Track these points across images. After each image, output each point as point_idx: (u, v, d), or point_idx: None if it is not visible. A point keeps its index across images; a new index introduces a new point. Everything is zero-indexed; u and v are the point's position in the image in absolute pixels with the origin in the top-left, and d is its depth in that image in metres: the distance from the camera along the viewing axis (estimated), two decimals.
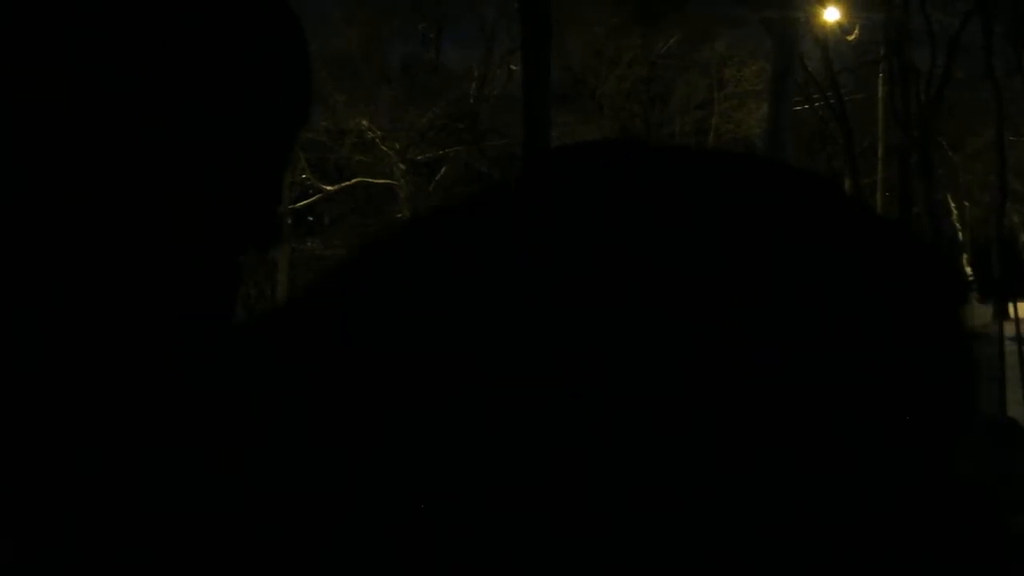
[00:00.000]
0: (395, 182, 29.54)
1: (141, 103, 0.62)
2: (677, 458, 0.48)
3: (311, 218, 28.45)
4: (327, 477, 0.49)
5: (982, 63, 24.11)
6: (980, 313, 22.48)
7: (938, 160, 28.08)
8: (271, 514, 0.49)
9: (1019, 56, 25.46)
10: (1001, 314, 22.16)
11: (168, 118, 0.63)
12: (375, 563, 0.48)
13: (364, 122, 25.95)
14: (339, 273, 0.57)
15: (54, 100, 0.60)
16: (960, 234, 35.91)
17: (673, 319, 0.49)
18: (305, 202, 26.21)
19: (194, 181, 0.64)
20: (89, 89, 0.61)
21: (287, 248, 22.88)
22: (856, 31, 27.01)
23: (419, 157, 29.40)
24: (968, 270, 35.12)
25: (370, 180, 26.52)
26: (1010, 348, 12.94)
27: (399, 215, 29.20)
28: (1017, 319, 15.82)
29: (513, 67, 28.76)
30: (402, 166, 29.54)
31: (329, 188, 26.50)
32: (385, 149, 28.24)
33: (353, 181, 26.82)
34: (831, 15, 23.09)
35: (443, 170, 29.78)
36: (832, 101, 24.25)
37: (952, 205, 35.73)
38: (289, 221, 24.04)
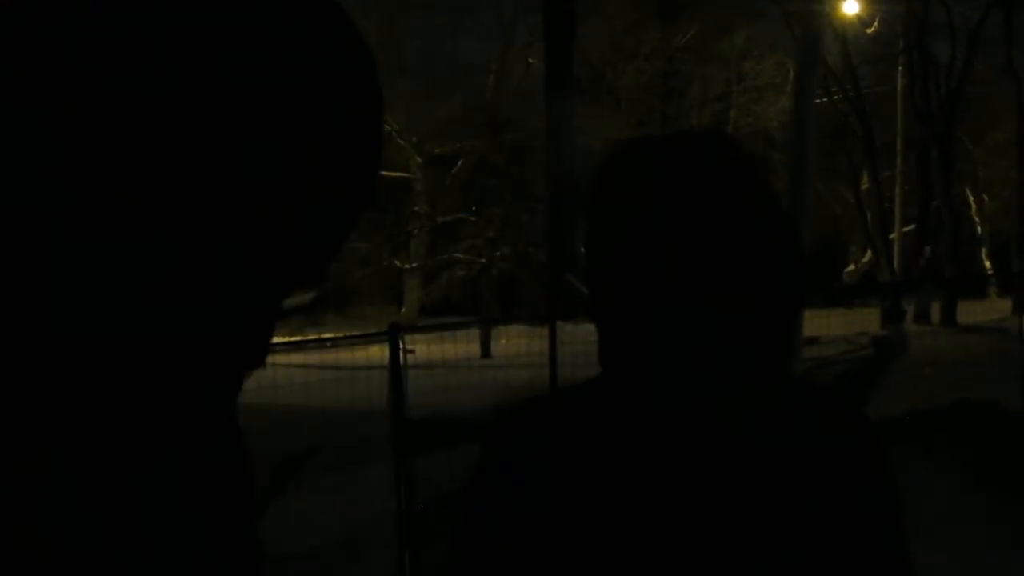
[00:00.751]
0: (412, 175, 29.59)
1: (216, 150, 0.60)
2: None
3: None
4: None
5: (1003, 56, 23.96)
6: (1000, 307, 22.39)
7: (958, 154, 27.96)
8: None
9: None
10: (1021, 308, 22.02)
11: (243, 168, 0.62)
12: None
13: None
14: None
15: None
16: (979, 228, 35.77)
17: None
18: None
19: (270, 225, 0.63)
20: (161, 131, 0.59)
21: None
22: (875, 24, 26.90)
23: (436, 151, 29.46)
24: (987, 264, 34.99)
25: (387, 174, 26.55)
26: None
27: (416, 208, 29.29)
28: None
29: (531, 60, 28.79)
30: (419, 159, 29.61)
31: None
32: (402, 143, 28.30)
33: None
34: (850, 8, 22.99)
35: (460, 163, 29.84)
36: (852, 95, 24.13)
37: (972, 199, 35.59)
38: None
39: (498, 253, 28.08)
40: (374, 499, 6.35)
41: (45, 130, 0.57)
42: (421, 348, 8.06)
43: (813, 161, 13.13)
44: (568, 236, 11.40)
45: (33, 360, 0.59)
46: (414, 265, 29.80)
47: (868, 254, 28.63)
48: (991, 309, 21.70)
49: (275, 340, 0.74)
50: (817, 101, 14.76)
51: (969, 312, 21.15)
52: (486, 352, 19.10)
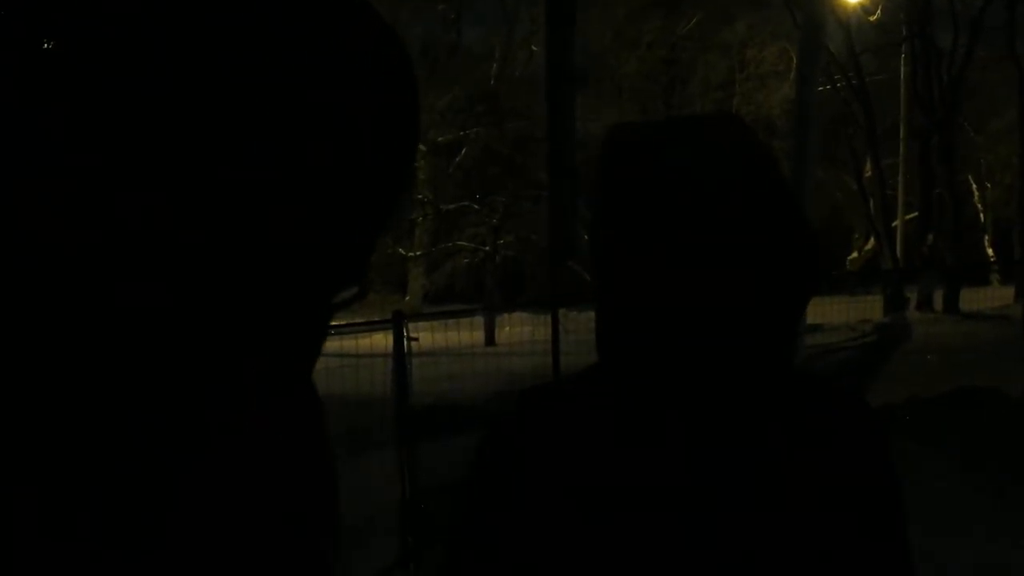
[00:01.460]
0: (415, 164, 29.49)
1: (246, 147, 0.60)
2: None
3: None
4: None
5: (1005, 43, 23.91)
6: (1002, 295, 22.36)
7: (960, 141, 27.89)
8: None
9: None
10: (1023, 296, 22.05)
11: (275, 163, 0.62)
12: None
13: None
14: None
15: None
16: (982, 215, 35.69)
17: None
18: None
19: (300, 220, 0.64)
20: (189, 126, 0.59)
21: None
22: (878, 11, 26.82)
23: (439, 139, 29.39)
24: (990, 251, 34.93)
25: None
26: None
27: (419, 196, 29.25)
28: None
29: (534, 48, 28.71)
30: (422, 147, 29.56)
31: None
32: None
33: None
34: None
35: (463, 151, 29.78)
36: (854, 82, 24.08)
37: (974, 186, 35.50)
38: None
39: (501, 241, 28.04)
40: (378, 486, 6.38)
41: (46, 130, 0.57)
42: (425, 336, 8.07)
43: (815, 149, 13.13)
44: (570, 223, 11.38)
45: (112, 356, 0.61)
46: (418, 253, 29.77)
47: (871, 241, 28.60)
48: (994, 296, 21.66)
49: None
50: (819, 89, 14.73)
51: (972, 299, 21.12)
52: (490, 340, 19.09)
